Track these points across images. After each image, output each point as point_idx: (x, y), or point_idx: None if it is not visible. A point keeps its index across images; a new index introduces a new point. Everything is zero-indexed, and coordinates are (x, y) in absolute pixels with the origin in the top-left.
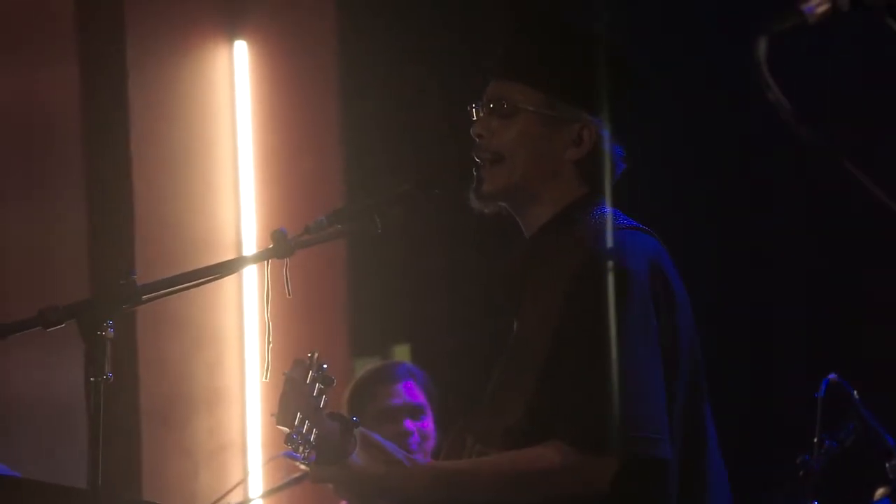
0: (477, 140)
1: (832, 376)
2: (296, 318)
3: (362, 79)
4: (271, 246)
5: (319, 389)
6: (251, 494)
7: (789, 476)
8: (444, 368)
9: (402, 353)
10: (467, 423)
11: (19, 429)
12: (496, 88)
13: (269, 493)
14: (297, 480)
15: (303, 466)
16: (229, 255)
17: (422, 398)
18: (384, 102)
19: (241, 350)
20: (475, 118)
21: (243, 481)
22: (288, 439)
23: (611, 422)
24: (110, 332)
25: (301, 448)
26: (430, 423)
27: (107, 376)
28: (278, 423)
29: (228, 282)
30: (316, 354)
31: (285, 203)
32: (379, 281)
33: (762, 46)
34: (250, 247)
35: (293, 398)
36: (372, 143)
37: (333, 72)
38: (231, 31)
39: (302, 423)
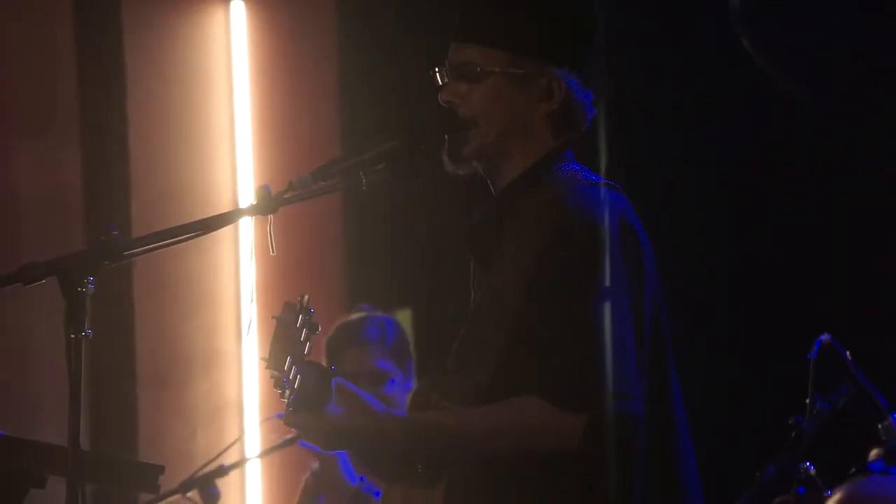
0: (445, 106)
1: (825, 337)
2: (293, 276)
3: (360, 38)
4: (254, 203)
5: (306, 335)
6: (248, 454)
7: (781, 437)
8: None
9: (403, 317)
10: (432, 381)
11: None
12: (460, 52)
13: (264, 454)
14: (292, 441)
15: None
16: None
17: (383, 363)
18: (382, 63)
19: (237, 312)
20: (440, 83)
21: (238, 440)
22: (278, 383)
23: (587, 378)
24: (91, 289)
25: (287, 392)
26: (394, 389)
27: (86, 333)
28: (268, 367)
29: (225, 244)
30: (306, 297)
31: (282, 163)
32: (375, 239)
33: None
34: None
35: (284, 342)
36: (369, 103)
37: (331, 31)
38: None
39: (290, 367)
